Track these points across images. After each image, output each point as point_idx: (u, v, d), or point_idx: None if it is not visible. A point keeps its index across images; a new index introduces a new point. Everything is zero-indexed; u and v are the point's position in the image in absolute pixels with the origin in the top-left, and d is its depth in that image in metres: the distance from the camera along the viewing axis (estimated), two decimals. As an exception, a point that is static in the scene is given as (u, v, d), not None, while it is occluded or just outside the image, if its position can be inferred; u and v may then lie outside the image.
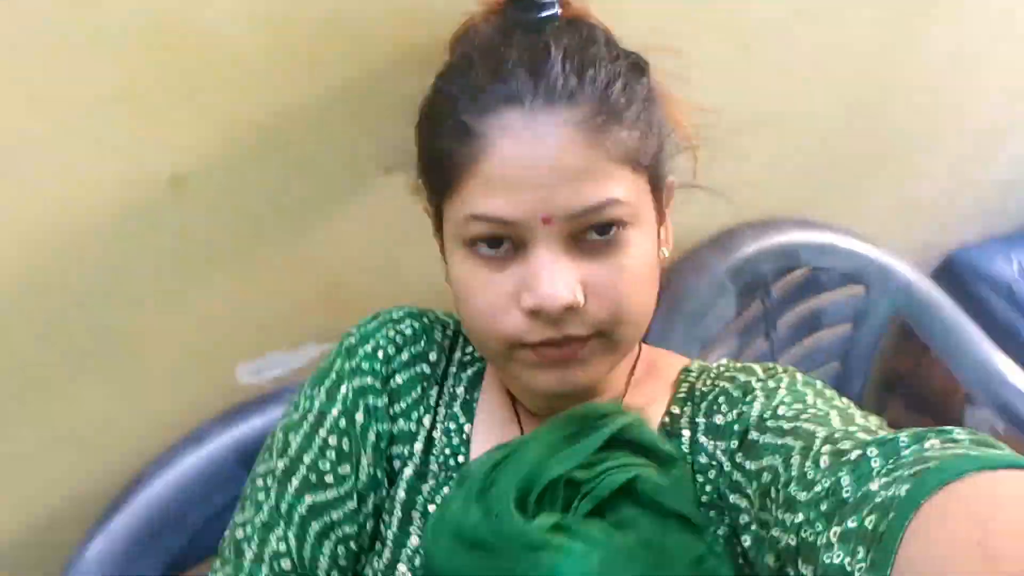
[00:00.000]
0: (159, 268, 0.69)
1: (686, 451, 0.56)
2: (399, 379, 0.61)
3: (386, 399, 0.60)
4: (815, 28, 0.95)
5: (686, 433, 0.57)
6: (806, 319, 1.10)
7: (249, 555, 0.55)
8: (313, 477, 0.57)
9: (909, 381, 1.26)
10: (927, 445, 0.41)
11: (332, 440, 0.58)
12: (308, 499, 0.56)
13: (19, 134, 0.58)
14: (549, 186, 0.49)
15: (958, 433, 0.42)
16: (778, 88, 0.98)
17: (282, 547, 0.55)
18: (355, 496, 0.57)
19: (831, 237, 1.08)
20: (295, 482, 0.57)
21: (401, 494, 0.59)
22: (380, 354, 0.61)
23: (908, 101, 1.11)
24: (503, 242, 0.51)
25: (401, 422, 0.61)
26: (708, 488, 0.54)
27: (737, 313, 1.02)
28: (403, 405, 0.61)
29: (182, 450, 0.75)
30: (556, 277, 0.49)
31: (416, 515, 0.58)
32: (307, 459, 0.57)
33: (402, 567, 0.56)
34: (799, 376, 0.57)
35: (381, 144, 0.62)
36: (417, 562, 0.56)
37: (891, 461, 0.41)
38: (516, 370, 0.54)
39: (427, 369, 0.63)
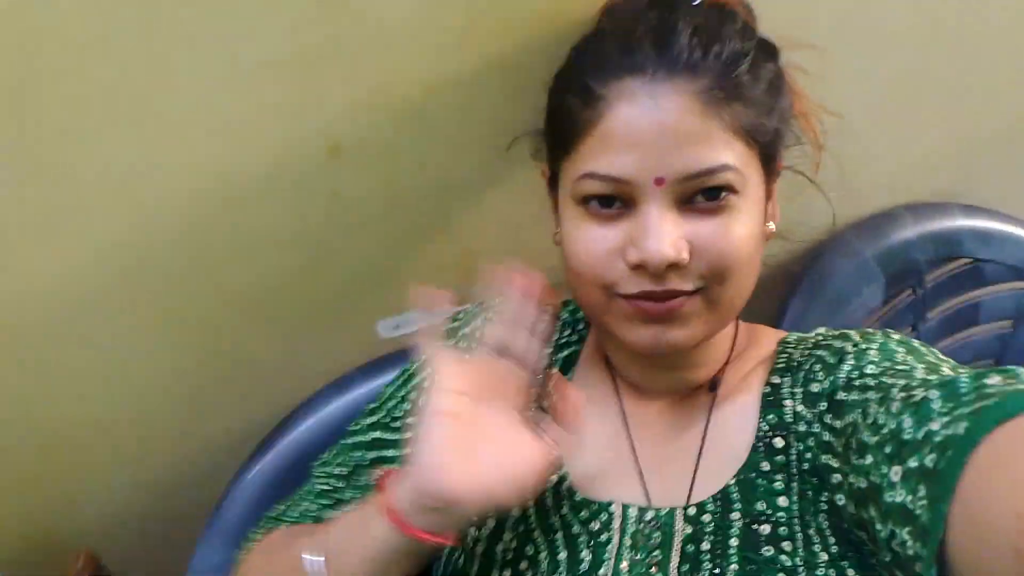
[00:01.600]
0: (311, 227, 0.73)
1: (789, 421, 0.56)
2: None
3: None
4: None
5: (788, 403, 0.57)
6: (961, 313, 1.02)
7: (324, 467, 0.68)
8: (387, 419, 0.65)
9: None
10: (988, 382, 0.41)
11: (413, 395, 0.65)
12: (374, 433, 0.65)
13: (185, 90, 0.61)
14: (663, 148, 0.50)
15: (1021, 371, 0.41)
16: (959, 60, 0.90)
17: (340, 470, 0.66)
18: None
19: (1000, 225, 0.99)
20: (373, 419, 0.66)
21: None
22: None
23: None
24: (615, 201, 0.53)
25: None
26: (808, 456, 0.54)
27: (883, 302, 0.96)
28: None
29: (327, 396, 0.81)
30: (663, 233, 0.51)
31: None
32: (388, 405, 0.66)
33: None
34: (895, 336, 0.57)
35: (527, 121, 0.63)
36: None
37: (951, 400, 0.41)
38: (613, 323, 0.55)
39: None
